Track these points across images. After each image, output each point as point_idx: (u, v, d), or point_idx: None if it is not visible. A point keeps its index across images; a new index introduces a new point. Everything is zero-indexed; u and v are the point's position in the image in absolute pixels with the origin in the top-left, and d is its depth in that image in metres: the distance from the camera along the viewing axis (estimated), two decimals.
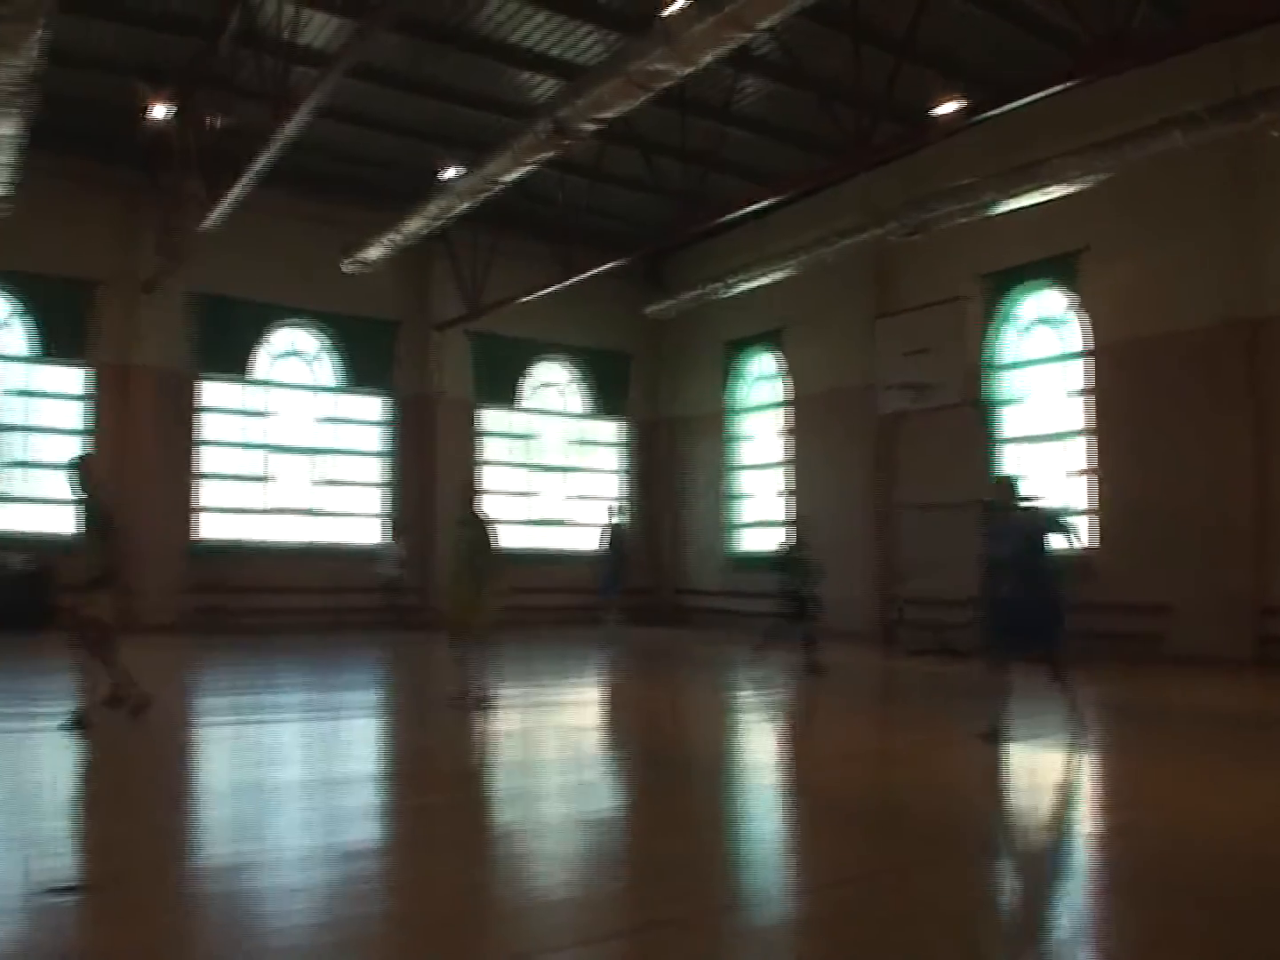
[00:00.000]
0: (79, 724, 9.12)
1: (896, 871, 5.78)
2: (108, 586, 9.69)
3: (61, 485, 10.10)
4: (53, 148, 16.51)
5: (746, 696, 13.72)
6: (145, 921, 4.83)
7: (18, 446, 19.56)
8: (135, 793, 7.62)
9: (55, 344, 19.70)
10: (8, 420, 19.49)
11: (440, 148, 18.11)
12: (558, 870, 5.89)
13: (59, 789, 7.73)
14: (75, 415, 20.00)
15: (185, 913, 5.04)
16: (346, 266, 19.67)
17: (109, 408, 20.00)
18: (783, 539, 17.33)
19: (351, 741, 10.28)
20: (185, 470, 20.82)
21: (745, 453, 24.94)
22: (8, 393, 19.58)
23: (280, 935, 4.70)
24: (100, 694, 9.64)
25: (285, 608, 20.79)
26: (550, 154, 14.49)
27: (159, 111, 16.72)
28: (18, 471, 19.42)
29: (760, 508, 24.32)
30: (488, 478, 24.19)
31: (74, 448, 16.02)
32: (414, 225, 17.71)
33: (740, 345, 24.57)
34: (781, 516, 22.93)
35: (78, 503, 9.82)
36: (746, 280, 20.26)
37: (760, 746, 10.54)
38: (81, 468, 9.99)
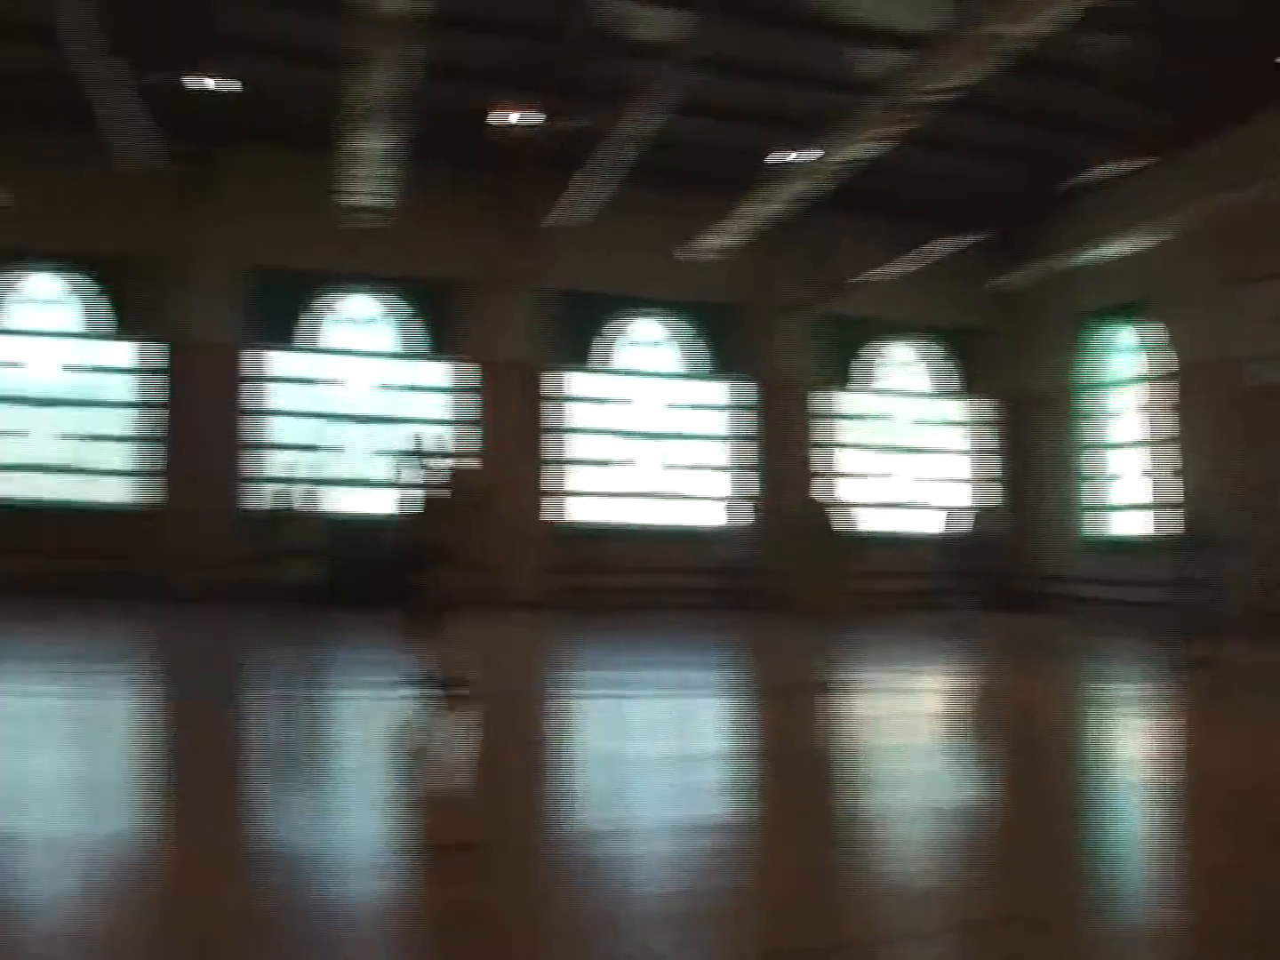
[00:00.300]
0: (442, 690, 9.72)
1: (1272, 871, 5.42)
2: (457, 565, 10.24)
3: (423, 470, 10.80)
4: (420, 156, 17.59)
5: (1115, 688, 13.10)
6: (515, 880, 5.15)
7: (388, 436, 21.07)
8: (508, 759, 8.10)
9: (430, 341, 21.13)
10: (378, 412, 21.05)
11: (780, 132, 18.16)
12: (911, 857, 5.83)
13: (439, 756, 8.31)
14: (442, 407, 21.37)
15: (551, 874, 5.33)
16: (692, 255, 20.07)
17: (474, 399, 21.26)
18: (1180, 521, 16.28)
19: (708, 719, 10.52)
20: (549, 456, 21.86)
21: (1104, 430, 23.72)
22: (382, 387, 21.16)
23: (637, 902, 4.90)
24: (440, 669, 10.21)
25: (642, 587, 21.45)
26: (892, 129, 14.26)
27: (512, 116, 17.61)
28: (388, 459, 20.91)
29: (1123, 488, 23.07)
30: (836, 460, 24.10)
31: (436, 437, 16.98)
32: (756, 210, 17.84)
33: (1096, 317, 23.33)
34: (1147, 498, 21.71)
35: (431, 486, 10.48)
36: (1102, 247, 19.20)
37: (1128, 741, 10.01)
38: (436, 454, 10.65)
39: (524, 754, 8.43)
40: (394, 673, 10.46)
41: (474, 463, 18.34)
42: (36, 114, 17.47)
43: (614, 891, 5.07)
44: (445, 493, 10.40)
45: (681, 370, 23.45)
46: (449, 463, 10.65)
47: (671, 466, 23.20)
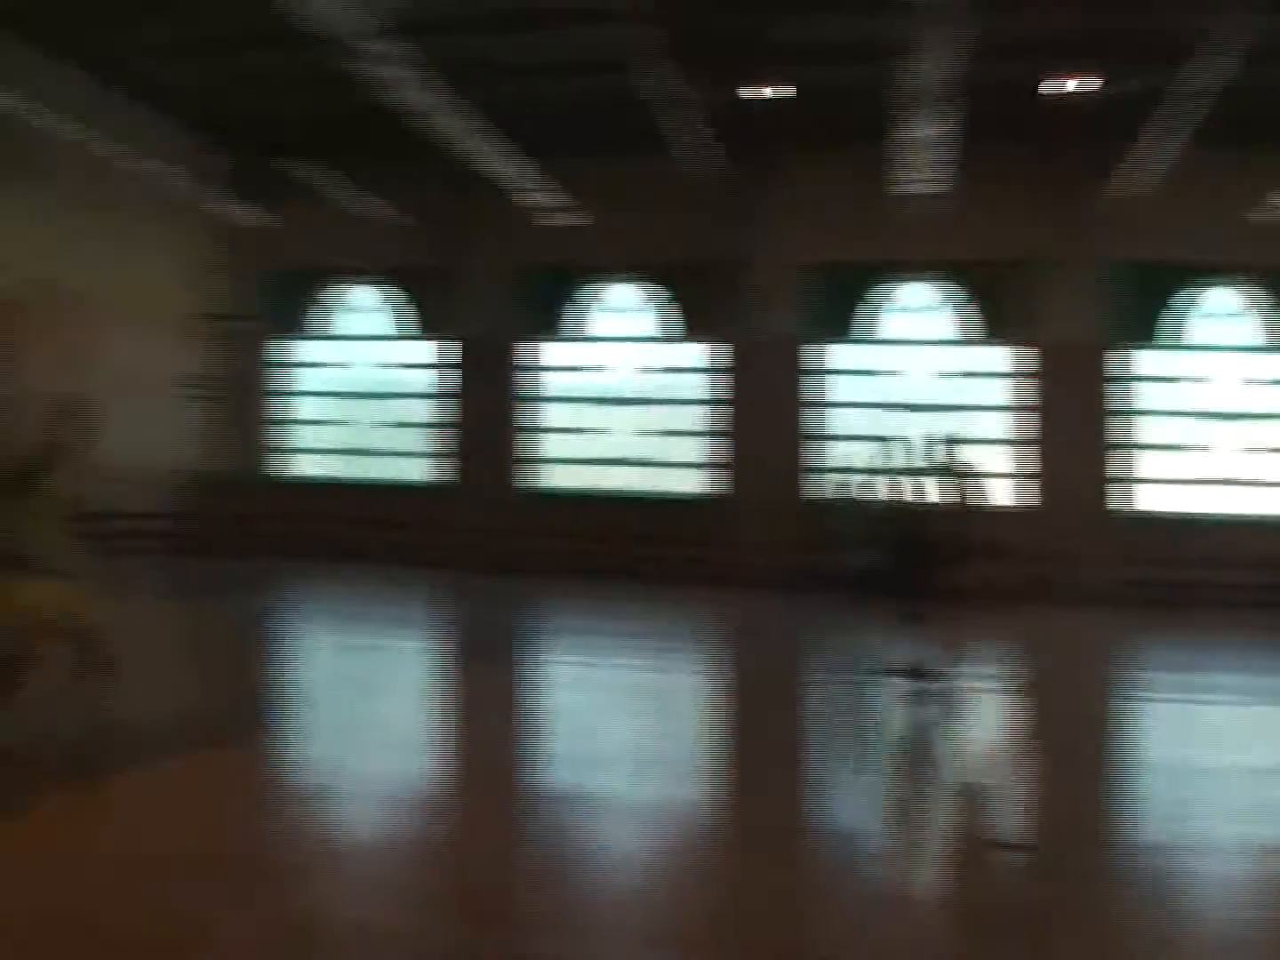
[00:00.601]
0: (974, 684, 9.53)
1: None
2: (989, 558, 9.99)
3: (943, 461, 10.67)
4: (972, 137, 17.24)
5: None
6: (1072, 886, 5.03)
7: (938, 425, 20.88)
8: (1064, 759, 7.88)
9: (988, 325, 20.79)
10: (936, 400, 20.93)
11: None
12: None
13: (988, 753, 8.21)
14: (1000, 393, 20.89)
15: (1109, 883, 5.15)
16: (1272, 215, 18.35)
17: (1035, 383, 20.61)
18: None
19: None
20: (1115, 441, 20.74)
21: None
22: (940, 375, 21.06)
23: (1201, 924, 4.63)
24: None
25: (1219, 581, 19.82)
26: None
27: (1068, 84, 16.90)
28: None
29: None
30: None
31: (953, 427, 16.59)
32: None
33: None
34: None
35: (953, 475, 10.32)
36: None
37: None
38: (957, 443, 10.48)
39: (1081, 755, 8.17)
40: (932, 665, 10.42)
41: (989, 451, 17.97)
42: (607, 137, 19.05)
43: (1174, 909, 4.82)
44: (965, 483, 10.29)
45: (1262, 343, 21.42)
46: (969, 452, 10.50)
47: (1255, 449, 21.25)
